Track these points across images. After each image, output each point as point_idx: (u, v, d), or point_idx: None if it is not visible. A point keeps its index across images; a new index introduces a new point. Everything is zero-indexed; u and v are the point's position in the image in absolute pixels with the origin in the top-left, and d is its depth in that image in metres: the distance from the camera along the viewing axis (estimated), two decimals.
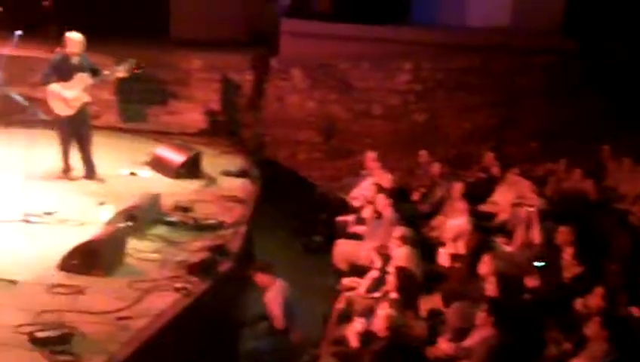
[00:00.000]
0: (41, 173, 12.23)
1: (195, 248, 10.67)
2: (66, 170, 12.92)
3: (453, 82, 17.36)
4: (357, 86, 17.64)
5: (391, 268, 10.71)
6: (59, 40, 12.87)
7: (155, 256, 10.32)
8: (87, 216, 11.17)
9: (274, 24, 18.19)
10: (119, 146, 14.85)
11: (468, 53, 17.42)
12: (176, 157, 13.78)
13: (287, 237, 14.55)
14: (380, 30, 17.67)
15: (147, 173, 13.66)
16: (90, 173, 12.94)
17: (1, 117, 10.73)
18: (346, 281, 11.81)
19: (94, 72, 12.74)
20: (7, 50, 10.15)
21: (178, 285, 9.44)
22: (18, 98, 10.74)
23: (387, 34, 17.71)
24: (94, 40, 13.00)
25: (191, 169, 13.80)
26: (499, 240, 12.47)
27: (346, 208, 14.55)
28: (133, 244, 10.36)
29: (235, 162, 14.93)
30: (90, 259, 9.51)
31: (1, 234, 10.38)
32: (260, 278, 10.38)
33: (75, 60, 12.60)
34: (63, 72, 12.58)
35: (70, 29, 12.73)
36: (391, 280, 10.49)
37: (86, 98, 12.69)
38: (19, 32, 9.98)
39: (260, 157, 16.43)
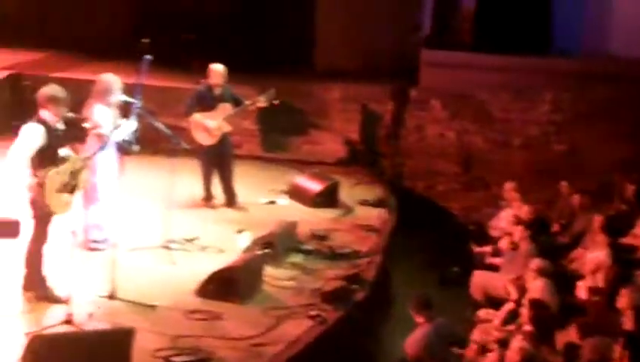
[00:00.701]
0: (183, 201, 12.54)
1: (330, 276, 10.78)
2: (208, 198, 13.20)
3: (593, 113, 17.08)
4: (496, 116, 17.53)
5: (526, 301, 10.62)
6: (203, 71, 13.23)
7: (290, 283, 10.48)
8: (226, 243, 11.41)
9: (415, 55, 18.25)
10: (259, 175, 15.09)
11: (609, 83, 17.09)
12: (314, 186, 13.94)
13: (424, 267, 14.49)
14: (520, 60, 17.51)
15: (285, 202, 13.86)
16: (230, 201, 13.18)
17: (148, 145, 11.06)
18: (482, 313, 11.76)
19: (236, 102, 13.02)
20: (149, 79, 10.48)
21: (312, 313, 9.54)
22: (162, 127, 11.07)
23: (527, 63, 17.54)
24: (236, 70, 13.31)
25: (328, 198, 13.93)
26: (639, 274, 12.22)
27: (484, 239, 14.46)
28: (269, 271, 10.54)
29: (373, 192, 15.00)
30: (227, 285, 9.72)
31: (142, 259, 10.70)
32: (414, 315, 10.21)
33: (217, 91, 12.92)
34: (206, 102, 12.90)
35: (213, 61, 13.09)
36: (525, 312, 10.40)
37: (228, 128, 12.97)
38: (148, 57, 10.27)
39: (398, 187, 16.47)
